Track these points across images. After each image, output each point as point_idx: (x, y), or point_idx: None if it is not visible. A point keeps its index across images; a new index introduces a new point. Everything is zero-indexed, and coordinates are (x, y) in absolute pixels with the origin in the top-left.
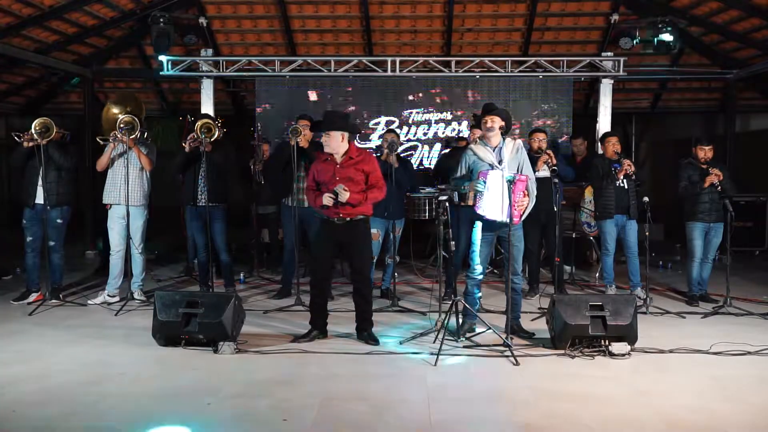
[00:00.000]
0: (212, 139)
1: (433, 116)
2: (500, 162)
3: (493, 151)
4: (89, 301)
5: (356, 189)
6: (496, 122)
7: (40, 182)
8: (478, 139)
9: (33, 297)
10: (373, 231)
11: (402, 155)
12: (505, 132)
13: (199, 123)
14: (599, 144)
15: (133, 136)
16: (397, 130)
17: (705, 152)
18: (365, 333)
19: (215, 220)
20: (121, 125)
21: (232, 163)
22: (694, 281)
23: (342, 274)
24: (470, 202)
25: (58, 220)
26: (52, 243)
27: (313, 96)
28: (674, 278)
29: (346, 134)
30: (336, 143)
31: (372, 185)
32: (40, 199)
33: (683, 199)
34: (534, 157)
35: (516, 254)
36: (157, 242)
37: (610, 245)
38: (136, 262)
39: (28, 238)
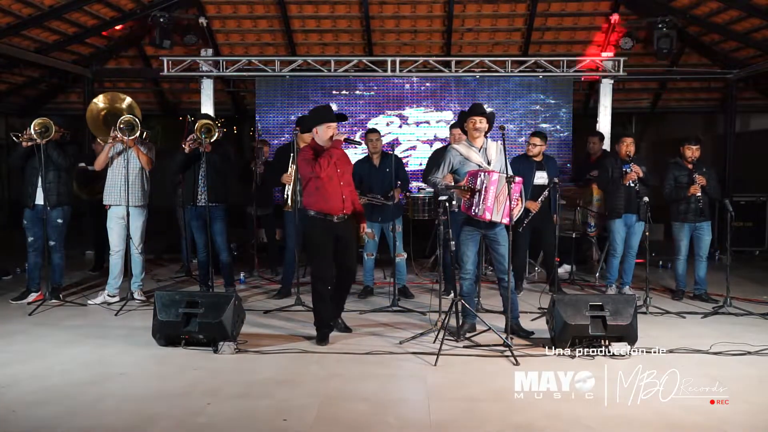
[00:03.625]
0: (212, 140)
1: (433, 116)
2: (489, 163)
3: (479, 151)
4: (89, 302)
5: (352, 183)
6: (484, 123)
7: (39, 183)
8: (463, 140)
9: (32, 297)
10: (369, 231)
11: (402, 155)
12: (485, 134)
13: (198, 124)
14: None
15: (133, 136)
16: (397, 130)
17: (692, 151)
18: (340, 321)
19: (215, 219)
20: (121, 125)
21: (231, 164)
22: (680, 277)
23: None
24: (462, 203)
25: (59, 220)
26: (52, 243)
27: (312, 95)
28: (674, 278)
29: None
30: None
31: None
32: (39, 199)
33: (668, 201)
34: (534, 162)
35: (504, 253)
36: (157, 242)
37: (618, 246)
38: (136, 262)
39: (30, 239)
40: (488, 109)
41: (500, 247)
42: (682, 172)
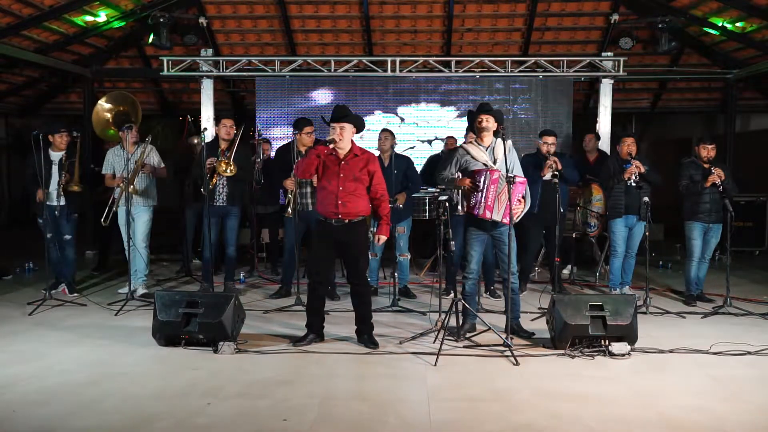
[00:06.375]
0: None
1: (433, 116)
2: (495, 162)
3: (486, 150)
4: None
5: (359, 188)
6: (490, 122)
7: (56, 180)
8: (472, 140)
9: (61, 288)
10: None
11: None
12: (495, 133)
13: (222, 165)
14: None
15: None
16: (396, 130)
17: (708, 151)
18: (365, 336)
19: (230, 216)
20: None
21: (248, 173)
22: (692, 281)
23: (343, 275)
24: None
25: (74, 215)
26: (68, 237)
27: (312, 95)
28: (674, 278)
29: (354, 129)
30: (349, 136)
31: (381, 195)
32: (55, 195)
33: (684, 197)
34: (542, 161)
35: (510, 254)
36: (157, 242)
37: (619, 246)
38: (141, 257)
39: (48, 235)
40: (495, 107)
41: (505, 247)
42: (698, 171)
